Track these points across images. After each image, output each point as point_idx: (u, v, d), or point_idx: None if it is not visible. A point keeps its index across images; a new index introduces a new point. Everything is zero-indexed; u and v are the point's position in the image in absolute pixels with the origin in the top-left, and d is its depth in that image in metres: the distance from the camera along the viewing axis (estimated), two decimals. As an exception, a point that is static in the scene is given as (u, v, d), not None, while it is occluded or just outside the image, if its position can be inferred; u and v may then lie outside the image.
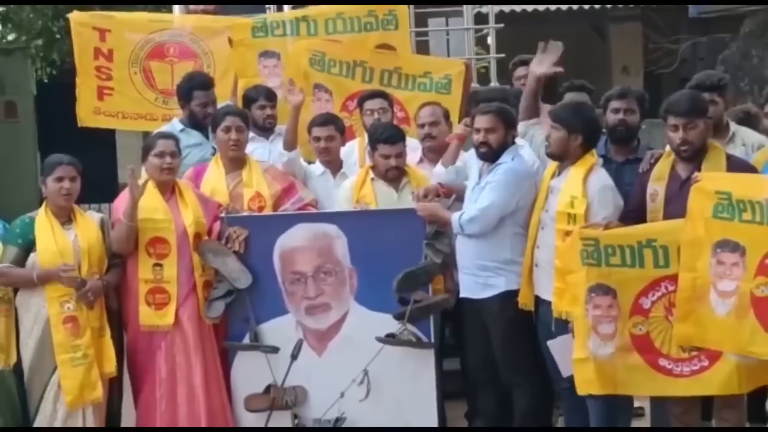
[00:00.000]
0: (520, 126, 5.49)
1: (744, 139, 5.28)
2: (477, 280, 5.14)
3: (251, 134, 6.24)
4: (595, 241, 4.65)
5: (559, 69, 5.39)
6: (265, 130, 6.31)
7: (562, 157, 4.93)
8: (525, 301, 5.05)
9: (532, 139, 5.39)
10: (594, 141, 4.99)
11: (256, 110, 6.25)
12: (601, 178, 4.87)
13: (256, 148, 6.19)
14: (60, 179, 5.05)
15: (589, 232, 4.68)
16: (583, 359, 4.72)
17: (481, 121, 5.13)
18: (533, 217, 5.02)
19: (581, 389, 4.77)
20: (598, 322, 4.69)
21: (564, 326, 4.85)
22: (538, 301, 5.02)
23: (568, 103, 5.16)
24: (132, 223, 5.10)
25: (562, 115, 4.93)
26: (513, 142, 5.20)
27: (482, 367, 5.30)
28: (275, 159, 6.17)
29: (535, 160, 5.33)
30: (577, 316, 4.73)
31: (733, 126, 5.33)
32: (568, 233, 4.77)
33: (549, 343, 4.93)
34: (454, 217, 5.09)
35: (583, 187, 4.78)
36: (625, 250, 4.65)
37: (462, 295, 5.26)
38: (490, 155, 5.11)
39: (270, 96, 6.30)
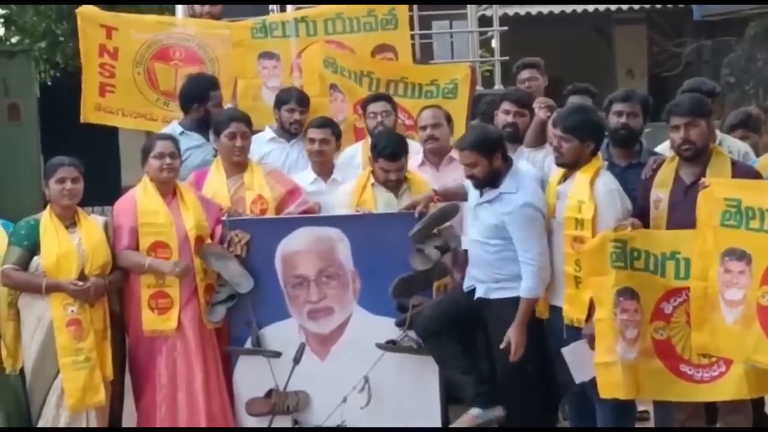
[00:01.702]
0: (524, 152, 5.44)
1: (730, 147, 5.27)
2: (491, 286, 5.07)
3: (271, 134, 6.24)
4: (623, 243, 4.63)
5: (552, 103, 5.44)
6: (290, 133, 6.28)
7: (575, 165, 4.87)
8: (540, 310, 5.01)
9: (534, 160, 5.34)
10: (600, 147, 4.95)
11: (285, 112, 6.19)
12: (607, 181, 4.82)
13: (274, 149, 6.17)
14: (62, 180, 5.04)
15: (620, 234, 4.64)
16: (609, 363, 4.67)
17: (461, 157, 5.05)
18: None
19: (605, 393, 4.72)
20: (625, 327, 4.66)
21: (576, 332, 4.82)
22: (549, 307, 4.98)
23: (574, 111, 5.03)
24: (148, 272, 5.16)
25: (572, 125, 4.84)
26: (507, 161, 5.04)
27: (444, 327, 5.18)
28: (292, 162, 6.15)
29: (533, 171, 5.29)
30: (603, 319, 4.67)
31: (719, 134, 5.32)
32: (576, 239, 4.74)
33: (563, 350, 4.87)
34: (527, 293, 4.91)
35: (590, 191, 4.74)
36: (650, 257, 4.65)
37: (467, 287, 5.17)
38: (480, 185, 5.02)
39: (302, 101, 6.21)
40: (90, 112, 6.98)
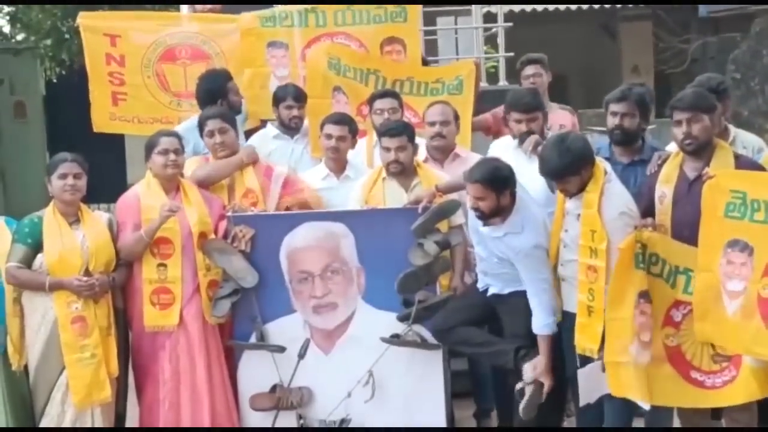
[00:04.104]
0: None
1: (744, 143, 5.24)
2: (505, 280, 5.06)
3: (275, 131, 6.26)
4: (643, 247, 4.61)
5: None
6: (291, 129, 6.31)
7: (583, 189, 4.78)
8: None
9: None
10: (593, 157, 4.84)
11: (283, 109, 6.26)
12: (614, 204, 4.70)
13: (279, 147, 6.19)
14: (64, 176, 5.04)
15: (639, 235, 4.61)
16: (620, 363, 4.63)
17: (470, 189, 4.92)
18: (553, 240, 4.95)
19: (617, 391, 4.69)
20: (642, 329, 4.64)
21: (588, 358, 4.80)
22: (566, 315, 4.93)
23: (556, 153, 4.75)
24: (150, 240, 5.13)
25: (563, 170, 4.72)
26: (512, 196, 4.94)
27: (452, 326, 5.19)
28: (297, 158, 6.17)
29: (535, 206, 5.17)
30: (621, 318, 4.62)
31: (733, 129, 5.29)
32: (590, 267, 4.68)
33: (579, 371, 4.84)
34: (541, 330, 4.89)
35: (600, 218, 4.65)
36: (666, 265, 4.65)
37: (481, 287, 5.17)
38: (485, 219, 4.95)
39: (298, 96, 6.29)
40: (104, 122, 7.04)
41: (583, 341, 4.76)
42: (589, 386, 4.83)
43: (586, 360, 4.81)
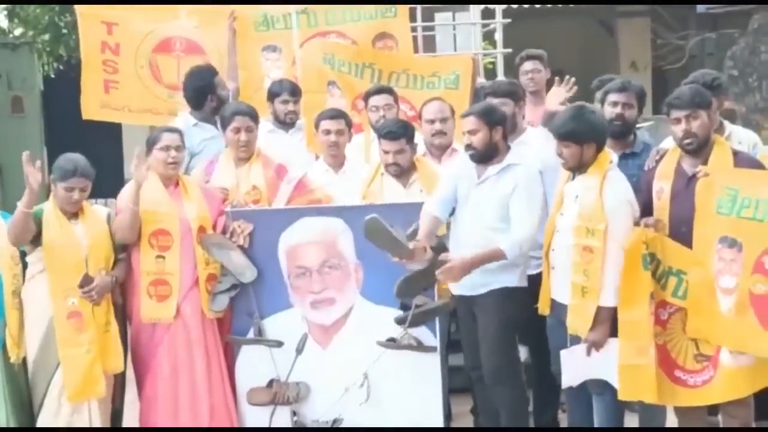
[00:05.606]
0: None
1: (739, 139, 5.25)
2: (474, 279, 5.03)
3: (270, 126, 6.27)
4: (646, 246, 4.61)
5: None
6: (286, 124, 6.32)
7: (582, 168, 4.80)
8: (542, 306, 5.00)
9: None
10: (605, 141, 4.86)
11: (279, 104, 6.28)
12: (617, 190, 4.72)
13: (274, 141, 6.20)
14: (70, 189, 5.01)
15: (648, 235, 4.61)
16: (639, 365, 4.61)
17: (464, 123, 5.05)
18: (548, 222, 4.96)
19: (627, 395, 4.69)
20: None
21: (579, 340, 4.80)
22: (553, 303, 4.96)
23: (569, 115, 4.86)
24: (135, 207, 5.08)
25: (568, 132, 4.75)
26: (505, 139, 5.06)
27: (479, 365, 5.22)
28: (294, 153, 6.17)
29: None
30: (638, 321, 4.61)
31: (729, 125, 5.30)
32: (585, 248, 4.69)
33: (562, 352, 4.86)
34: (506, 249, 4.88)
35: (600, 201, 4.67)
36: (660, 266, 4.65)
37: (456, 292, 5.16)
38: (477, 157, 5.01)
39: (294, 91, 6.32)
40: (93, 110, 7.02)
41: (575, 322, 4.77)
42: (573, 368, 4.84)
43: (578, 339, 4.81)
